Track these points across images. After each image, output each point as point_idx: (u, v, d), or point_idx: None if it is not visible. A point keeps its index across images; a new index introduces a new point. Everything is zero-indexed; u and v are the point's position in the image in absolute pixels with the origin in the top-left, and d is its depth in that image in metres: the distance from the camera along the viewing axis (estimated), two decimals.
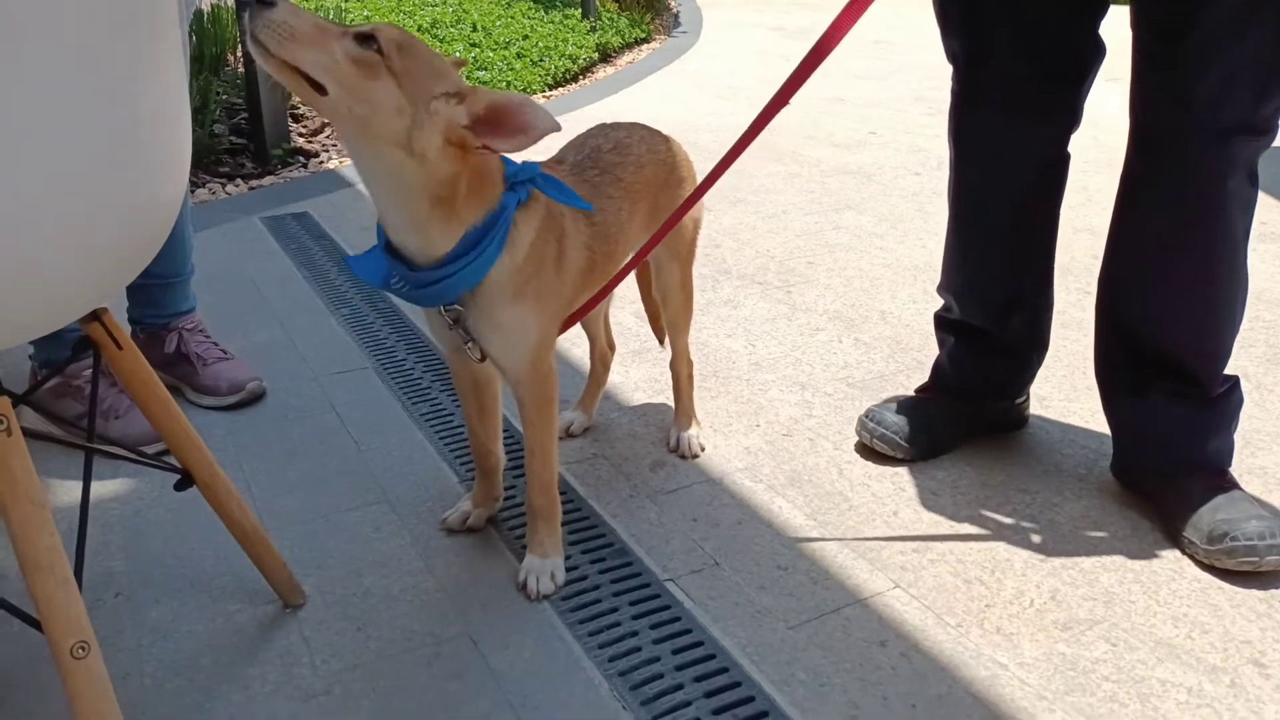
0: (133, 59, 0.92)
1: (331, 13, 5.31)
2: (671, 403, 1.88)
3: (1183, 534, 1.53)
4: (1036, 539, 1.57)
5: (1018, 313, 1.80)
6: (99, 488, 1.64)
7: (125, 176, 0.94)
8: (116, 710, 0.99)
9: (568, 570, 1.48)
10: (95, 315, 1.09)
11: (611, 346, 1.95)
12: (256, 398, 1.98)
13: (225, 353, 2.01)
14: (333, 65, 1.10)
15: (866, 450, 1.82)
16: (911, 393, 1.91)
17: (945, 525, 1.60)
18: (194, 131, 4.11)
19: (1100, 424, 1.92)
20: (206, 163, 3.95)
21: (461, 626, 1.36)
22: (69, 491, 1.65)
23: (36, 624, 0.97)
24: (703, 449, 1.81)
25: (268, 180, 3.87)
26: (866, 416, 1.83)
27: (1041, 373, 2.11)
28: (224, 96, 4.70)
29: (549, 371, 1.42)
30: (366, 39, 1.12)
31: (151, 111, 0.97)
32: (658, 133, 1.69)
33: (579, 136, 1.60)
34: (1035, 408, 1.98)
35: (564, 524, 1.58)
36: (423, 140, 1.15)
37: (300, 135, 4.53)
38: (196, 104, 3.91)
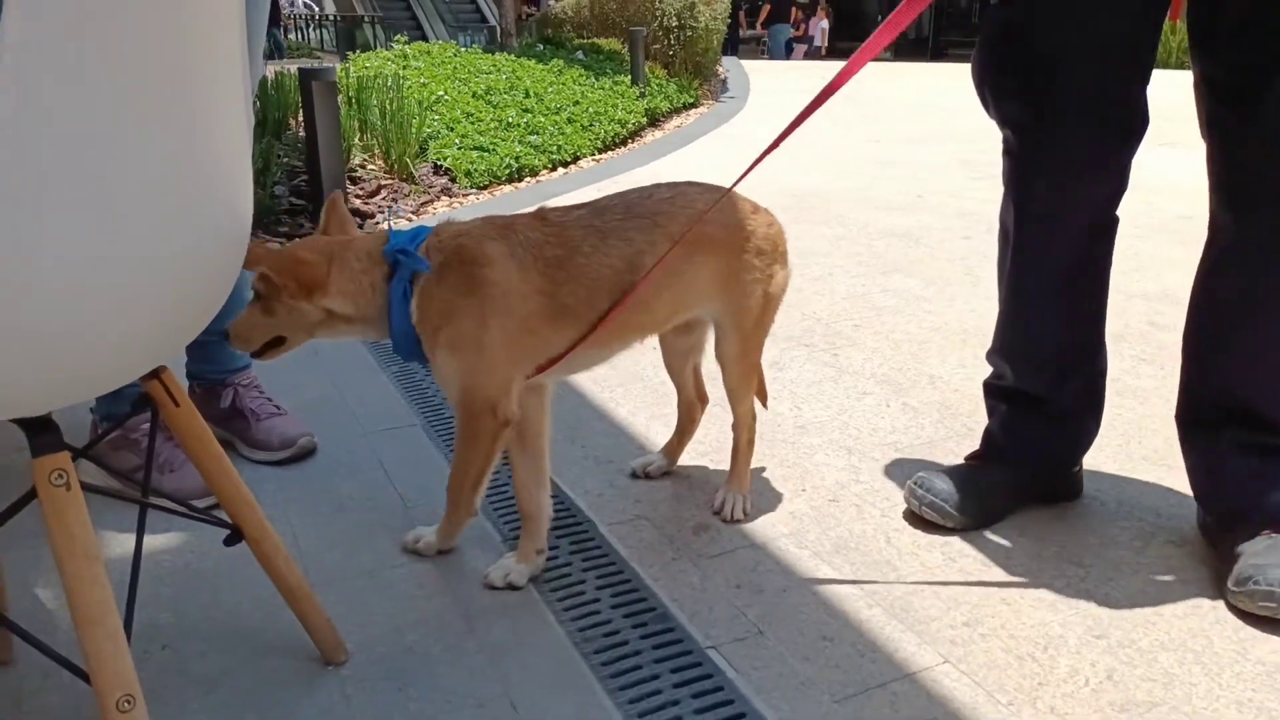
0: (197, 120, 0.96)
1: (391, 80, 5.48)
2: (719, 466, 1.88)
3: (1227, 581, 1.53)
4: (1091, 615, 1.52)
5: (1073, 377, 1.78)
6: (152, 540, 1.67)
7: (189, 238, 0.97)
8: None
9: (611, 634, 1.46)
10: (155, 373, 1.12)
11: (702, 399, 1.95)
12: (308, 453, 2.00)
13: (279, 408, 2.05)
14: (265, 329, 1.49)
15: (915, 518, 1.79)
16: (962, 461, 1.88)
17: (996, 598, 1.56)
18: (255, 193, 4.24)
19: (1156, 496, 1.88)
20: (266, 223, 4.07)
21: (501, 688, 1.35)
22: (122, 544, 1.68)
23: (85, 676, 0.99)
24: (746, 514, 1.79)
25: None
26: (915, 483, 1.80)
27: (1097, 442, 2.08)
28: (285, 159, 4.85)
29: (481, 413, 1.51)
30: (256, 294, 1.46)
31: (216, 173, 1.00)
32: (744, 199, 1.69)
33: (643, 189, 1.64)
34: (1088, 479, 1.94)
35: (607, 585, 1.58)
36: (307, 315, 1.48)
37: (357, 197, 4.66)
38: (259, 167, 4.04)
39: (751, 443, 1.85)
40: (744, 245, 1.66)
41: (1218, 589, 1.58)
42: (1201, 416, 1.69)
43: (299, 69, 4.29)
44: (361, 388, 2.35)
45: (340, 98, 5.44)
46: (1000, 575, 1.62)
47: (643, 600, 1.56)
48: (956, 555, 1.68)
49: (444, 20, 20.93)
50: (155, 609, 1.52)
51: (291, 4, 22.14)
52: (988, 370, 1.88)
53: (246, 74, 1.12)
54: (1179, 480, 1.93)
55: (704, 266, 1.62)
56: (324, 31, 20.14)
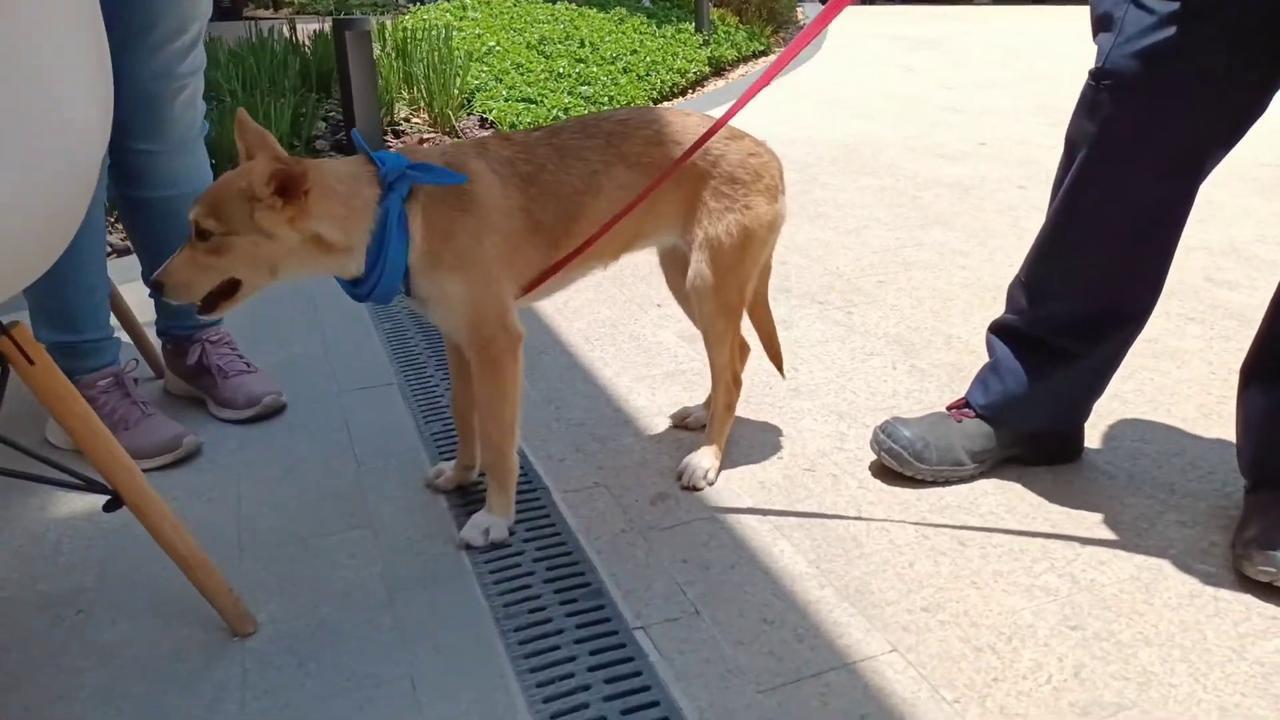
0: (18, 53, 0.88)
1: (443, 31, 5.39)
2: (699, 435, 1.76)
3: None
4: (1071, 603, 1.36)
5: (1116, 330, 1.59)
6: (86, 501, 1.63)
7: (13, 175, 0.89)
8: None
9: (537, 610, 1.37)
10: (4, 330, 1.06)
11: (743, 349, 1.80)
12: (274, 412, 1.95)
13: (249, 365, 2.00)
14: (214, 272, 1.33)
15: (891, 479, 1.66)
16: (943, 410, 1.73)
17: (966, 580, 1.42)
18: (294, 148, 4.14)
19: (1175, 471, 1.69)
20: None
21: (406, 668, 1.27)
22: (49, 505, 1.65)
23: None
24: (710, 483, 1.67)
25: None
26: (881, 429, 1.67)
27: (1119, 408, 1.90)
28: (333, 114, 4.83)
29: (495, 333, 1.45)
30: (201, 233, 1.30)
31: (45, 106, 0.92)
32: (726, 129, 1.58)
33: (603, 112, 1.59)
34: (1102, 448, 1.76)
35: (544, 557, 1.49)
36: (281, 243, 1.32)
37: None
38: (290, 120, 4.00)
39: (730, 405, 1.73)
40: (710, 171, 1.58)
41: (1225, 577, 1.40)
42: (1266, 365, 1.51)
43: (333, 20, 4.23)
44: (348, 344, 2.29)
45: (388, 49, 5.41)
46: (975, 555, 1.47)
47: (579, 575, 1.46)
48: (931, 532, 1.53)
49: None
50: (80, 573, 1.48)
51: None
52: None
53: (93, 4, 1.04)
54: (1204, 451, 1.75)
55: (664, 191, 1.53)
56: None
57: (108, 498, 1.19)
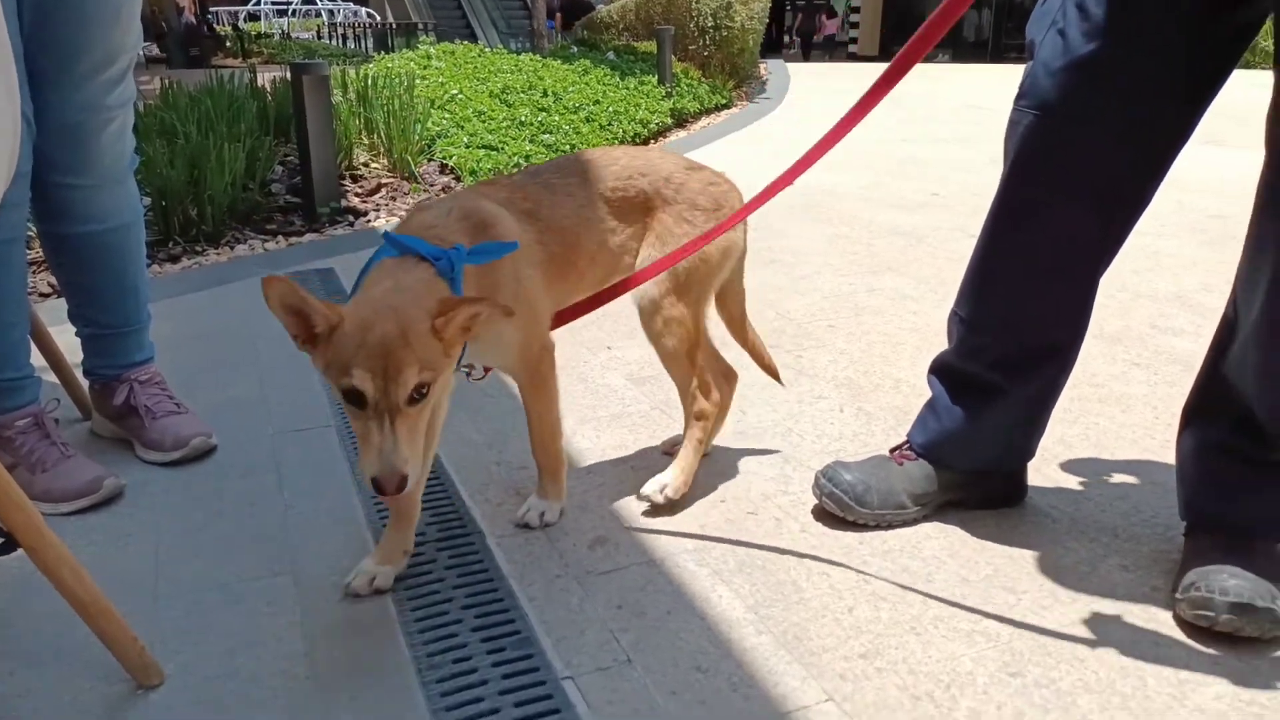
0: None
1: (406, 79, 5.41)
2: (641, 478, 1.73)
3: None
4: (1011, 649, 1.33)
5: (1044, 363, 1.57)
6: None
7: None
8: None
9: (462, 660, 1.32)
10: None
11: (729, 375, 1.89)
12: (202, 454, 1.89)
13: (179, 406, 1.94)
14: (422, 429, 1.26)
15: (834, 524, 1.63)
16: (885, 453, 1.70)
17: (906, 626, 1.38)
18: (248, 190, 4.10)
19: (1117, 515, 1.67)
20: (256, 220, 4.01)
21: None
22: None
23: None
24: (668, 499, 1.67)
25: (308, 238, 3.89)
26: (822, 473, 1.64)
27: (1063, 451, 1.89)
28: (290, 159, 4.80)
29: (541, 354, 1.56)
30: (415, 395, 1.22)
31: None
32: (680, 158, 1.70)
33: (567, 155, 1.67)
34: (1045, 491, 1.74)
35: (475, 604, 1.44)
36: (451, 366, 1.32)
37: (356, 195, 4.58)
38: (243, 164, 3.96)
39: (701, 414, 1.72)
40: (673, 199, 1.64)
41: (1166, 622, 1.38)
42: (1203, 405, 1.50)
43: (291, 64, 4.22)
44: (287, 386, 2.24)
45: (349, 95, 5.40)
46: (916, 601, 1.44)
47: (510, 622, 1.40)
48: (872, 576, 1.50)
49: (497, 27, 21.01)
50: None
51: (355, 14, 22.46)
52: None
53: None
54: (1147, 495, 1.73)
55: (630, 222, 1.63)
56: (368, 41, 20.28)
57: (1, 540, 1.13)
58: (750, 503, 1.73)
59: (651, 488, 1.68)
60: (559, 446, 1.65)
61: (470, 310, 1.25)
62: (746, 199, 1.56)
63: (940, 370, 1.67)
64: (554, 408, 1.62)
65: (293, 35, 21.87)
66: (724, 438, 1.97)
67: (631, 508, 1.71)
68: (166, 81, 5.59)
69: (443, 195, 4.34)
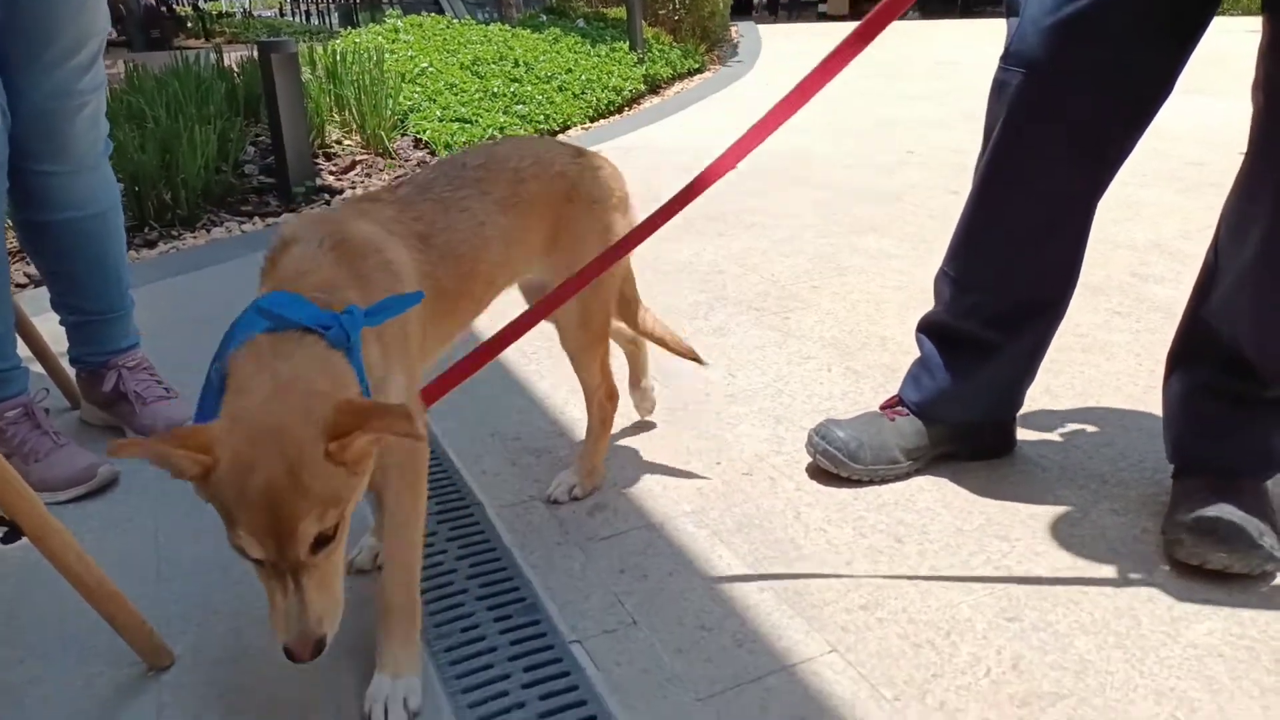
0: None
1: (375, 54, 5.35)
2: (637, 444, 1.74)
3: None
4: (1008, 595, 1.36)
5: (1036, 319, 1.60)
6: None
7: None
8: None
9: (470, 628, 1.33)
10: None
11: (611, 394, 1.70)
12: None
13: (168, 391, 1.94)
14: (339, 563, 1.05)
15: (828, 481, 1.65)
16: (876, 409, 1.73)
17: (904, 578, 1.41)
18: (221, 172, 4.04)
19: (1105, 461, 1.70)
20: (230, 202, 3.97)
21: (333, 693, 1.22)
22: None
23: None
24: (575, 498, 1.65)
25: (284, 217, 3.86)
26: (815, 431, 1.66)
27: (1049, 401, 1.92)
28: (262, 139, 4.75)
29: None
30: (320, 542, 1.00)
31: None
32: (564, 146, 1.54)
33: (451, 157, 1.45)
34: (1033, 441, 1.77)
35: (479, 574, 1.45)
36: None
37: (330, 173, 4.54)
38: (216, 147, 3.92)
39: (605, 421, 1.67)
40: (569, 194, 1.49)
41: (1157, 562, 1.41)
42: (1187, 350, 1.53)
43: (258, 43, 4.16)
44: None
45: (318, 72, 5.34)
46: (913, 553, 1.46)
47: (514, 590, 1.42)
48: (869, 530, 1.52)
49: None
50: None
51: None
52: None
53: None
54: (1134, 441, 1.76)
55: (529, 226, 1.45)
56: (333, 16, 19.98)
57: (4, 530, 1.13)
58: (745, 464, 1.75)
59: (559, 491, 1.64)
60: (418, 582, 1.26)
61: (376, 430, 0.99)
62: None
63: (930, 328, 1.69)
64: (423, 521, 1.25)
65: (254, 13, 21.52)
66: (715, 402, 1.99)
67: (628, 473, 1.72)
68: (130, 65, 5.49)
69: (337, 205, 4.31)
